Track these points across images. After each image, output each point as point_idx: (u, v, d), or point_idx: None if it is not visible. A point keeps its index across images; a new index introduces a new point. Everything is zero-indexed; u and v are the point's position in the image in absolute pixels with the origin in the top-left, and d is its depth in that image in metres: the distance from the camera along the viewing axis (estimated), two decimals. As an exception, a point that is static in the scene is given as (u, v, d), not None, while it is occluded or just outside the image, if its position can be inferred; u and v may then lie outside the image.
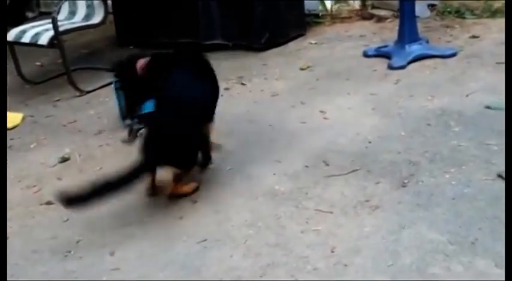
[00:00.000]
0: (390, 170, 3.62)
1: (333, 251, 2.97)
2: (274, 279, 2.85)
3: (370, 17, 6.79)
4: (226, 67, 5.77)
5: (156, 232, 3.32)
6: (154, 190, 3.62)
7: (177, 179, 3.54)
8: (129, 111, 4.02)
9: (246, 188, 3.63)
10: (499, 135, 3.81)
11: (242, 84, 5.33)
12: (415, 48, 5.38)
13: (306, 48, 6.13)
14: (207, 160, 3.72)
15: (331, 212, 3.29)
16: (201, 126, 3.53)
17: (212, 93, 3.71)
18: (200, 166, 3.68)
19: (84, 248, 3.26)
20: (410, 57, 5.29)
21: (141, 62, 3.62)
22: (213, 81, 3.73)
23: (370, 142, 4.00)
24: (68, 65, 5.43)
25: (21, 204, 3.77)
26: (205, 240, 3.19)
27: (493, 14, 6.33)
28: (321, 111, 4.56)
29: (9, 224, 3.55)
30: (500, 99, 4.31)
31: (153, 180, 3.60)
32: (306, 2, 6.59)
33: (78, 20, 5.71)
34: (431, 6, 6.75)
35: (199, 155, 3.61)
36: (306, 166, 3.79)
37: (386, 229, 3.08)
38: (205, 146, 3.60)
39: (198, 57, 3.78)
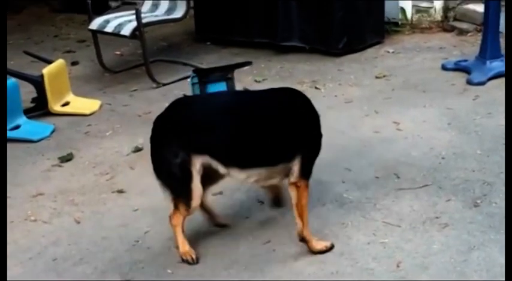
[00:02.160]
0: (463, 188, 3.56)
1: (398, 266, 2.95)
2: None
3: (451, 29, 6.66)
4: (301, 70, 5.79)
5: (222, 230, 3.36)
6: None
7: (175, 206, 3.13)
8: None
9: (314, 194, 3.60)
10: None
11: (316, 88, 5.33)
12: (496, 65, 5.25)
13: (382, 57, 6.07)
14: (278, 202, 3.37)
15: (399, 226, 3.26)
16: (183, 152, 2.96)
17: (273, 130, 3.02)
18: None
19: (152, 239, 3.33)
20: (490, 74, 5.17)
21: None
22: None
23: (443, 158, 3.93)
24: (147, 56, 5.55)
25: (94, 190, 3.89)
26: (269, 242, 3.21)
27: None
28: (395, 122, 4.51)
29: (81, 209, 3.68)
30: None
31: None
32: (386, 9, 6.53)
33: (160, 13, 5.84)
34: (516, 22, 6.56)
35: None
36: (377, 177, 3.76)
37: (456, 248, 3.03)
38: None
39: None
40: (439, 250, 3.03)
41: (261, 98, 3.17)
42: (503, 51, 5.43)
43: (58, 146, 4.51)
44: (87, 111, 5.04)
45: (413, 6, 6.80)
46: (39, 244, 3.35)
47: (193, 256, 3.09)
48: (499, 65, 5.26)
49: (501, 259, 2.89)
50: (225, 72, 4.77)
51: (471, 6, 6.61)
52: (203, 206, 3.27)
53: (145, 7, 5.87)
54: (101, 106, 5.17)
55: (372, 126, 4.49)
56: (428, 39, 6.50)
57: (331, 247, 3.09)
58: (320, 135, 3.12)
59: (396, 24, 6.81)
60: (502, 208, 3.30)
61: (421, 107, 4.75)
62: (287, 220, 3.35)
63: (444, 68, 5.55)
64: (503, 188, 3.48)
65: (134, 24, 5.40)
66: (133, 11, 5.44)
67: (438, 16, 6.81)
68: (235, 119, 2.97)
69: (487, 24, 5.34)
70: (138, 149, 4.37)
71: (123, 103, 5.27)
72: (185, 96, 3.31)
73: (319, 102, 5.00)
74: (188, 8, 5.81)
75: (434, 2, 6.74)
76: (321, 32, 6.10)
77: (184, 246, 3.11)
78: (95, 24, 5.67)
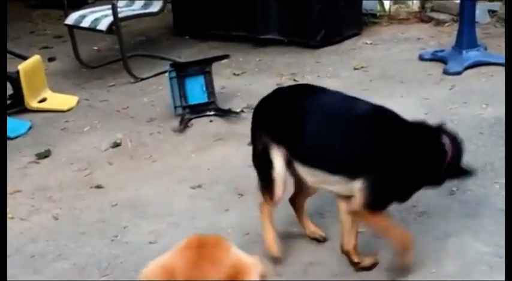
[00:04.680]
0: (439, 177, 3.58)
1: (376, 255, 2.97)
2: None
3: (429, 19, 6.69)
4: (279, 62, 5.80)
5: (201, 222, 3.37)
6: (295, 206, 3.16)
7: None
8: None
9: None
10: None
11: (294, 80, 5.33)
12: (472, 55, 5.29)
13: (360, 48, 6.09)
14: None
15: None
16: (266, 137, 2.88)
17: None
18: None
19: (131, 233, 3.33)
20: (467, 64, 5.21)
21: None
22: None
23: (420, 147, 3.95)
24: (124, 51, 5.53)
25: (72, 186, 3.87)
26: (249, 234, 3.23)
27: (556, 23, 6.18)
28: (373, 113, 4.52)
29: (59, 205, 3.67)
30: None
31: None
32: (364, 1, 6.55)
33: (137, 8, 5.81)
34: (492, 12, 6.62)
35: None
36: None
37: (433, 235, 3.06)
38: None
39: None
40: (415, 237, 3.05)
41: (357, 108, 2.84)
42: (479, 41, 5.48)
43: (35, 142, 4.48)
44: (65, 107, 5.01)
45: (391, -3, 6.82)
46: (17, 241, 3.33)
47: (276, 252, 2.92)
48: (475, 55, 5.31)
49: (475, 246, 2.94)
50: (203, 66, 4.78)
51: (448, -3, 6.64)
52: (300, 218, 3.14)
53: (122, 1, 5.82)
54: (78, 102, 5.14)
55: (349, 117, 4.50)
56: (406, 30, 6.53)
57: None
58: (410, 180, 2.73)
59: (374, 15, 6.82)
60: (477, 196, 3.35)
61: (399, 97, 4.78)
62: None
63: (421, 58, 5.58)
64: (478, 176, 3.50)
65: (111, 18, 5.37)
66: (110, 6, 5.40)
67: (416, 7, 6.83)
68: (320, 116, 2.81)
69: (463, 14, 5.38)
70: (116, 145, 4.36)
71: (100, 98, 5.24)
72: (289, 86, 3.27)
73: (297, 95, 5.08)
74: (165, 2, 5.78)
75: (412, -7, 6.78)
76: (299, 24, 6.10)
77: (268, 240, 2.95)
78: (71, 19, 5.63)
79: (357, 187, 2.67)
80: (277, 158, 2.83)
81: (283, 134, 2.85)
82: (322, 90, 3.00)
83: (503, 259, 2.80)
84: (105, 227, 3.41)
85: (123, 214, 3.52)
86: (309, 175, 2.84)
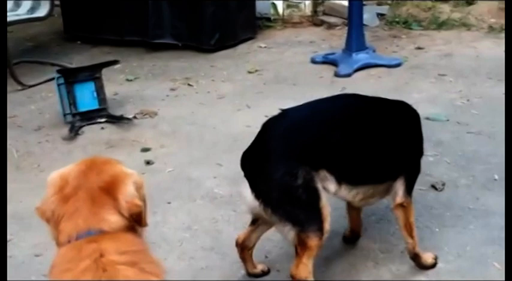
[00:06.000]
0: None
1: (267, 257, 2.98)
2: (207, 283, 2.85)
3: (321, 23, 6.85)
4: (174, 67, 5.76)
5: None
6: (243, 253, 2.83)
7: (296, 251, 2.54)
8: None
9: (185, 190, 3.62)
10: (436, 146, 3.90)
11: (189, 85, 5.31)
12: (361, 57, 5.46)
13: (255, 52, 6.14)
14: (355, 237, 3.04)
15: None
16: (305, 167, 2.48)
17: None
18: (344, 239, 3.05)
19: (15, 247, 3.19)
20: (356, 66, 5.37)
21: None
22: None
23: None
24: (9, 57, 5.30)
25: (-47, 199, 3.67)
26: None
27: (439, 26, 6.47)
28: (266, 116, 4.52)
29: None
30: (439, 110, 4.42)
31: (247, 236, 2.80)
32: (257, 4, 6.61)
33: (22, 12, 5.59)
34: (381, 15, 6.85)
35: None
36: (247, 170, 3.79)
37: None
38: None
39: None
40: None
41: (375, 109, 2.79)
42: (368, 44, 5.66)
43: None
44: None
45: (284, 1, 6.93)
46: None
47: None
48: (364, 57, 5.47)
49: (362, 243, 3.01)
50: (93, 72, 4.66)
51: (338, 1, 6.82)
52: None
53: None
54: (-40, 112, 4.89)
55: (243, 120, 4.52)
56: (299, 33, 6.65)
57: (436, 258, 2.85)
58: (422, 154, 2.87)
59: (268, 19, 6.92)
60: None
61: (291, 99, 4.81)
62: (158, 219, 3.32)
63: (313, 61, 5.70)
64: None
65: (-6, 24, 5.15)
66: (-7, 11, 5.17)
67: (308, 11, 6.98)
68: (350, 131, 2.62)
69: (351, 18, 5.55)
70: (2, 155, 4.18)
71: (-14, 107, 5.01)
72: (282, 110, 2.74)
73: (191, 99, 5.07)
74: (52, 6, 5.59)
75: (304, -3, 6.91)
76: (193, 28, 6.09)
77: None
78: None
79: (399, 183, 2.70)
80: (320, 185, 2.50)
81: (327, 158, 2.54)
82: (338, 100, 2.96)
83: (389, 255, 2.90)
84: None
85: (8, 227, 3.36)
86: (357, 195, 2.67)
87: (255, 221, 2.74)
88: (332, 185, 2.55)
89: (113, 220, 1.83)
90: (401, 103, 2.89)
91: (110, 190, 1.87)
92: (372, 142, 2.65)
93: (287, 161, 2.46)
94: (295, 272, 2.50)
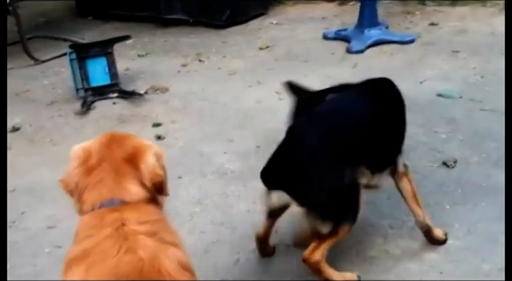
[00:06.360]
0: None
1: (276, 232, 3.00)
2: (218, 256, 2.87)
3: (333, -1, 6.80)
4: (185, 43, 5.75)
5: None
6: (264, 245, 2.85)
7: (317, 237, 2.54)
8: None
9: (196, 166, 3.63)
10: (449, 123, 3.88)
11: (200, 61, 5.31)
12: (374, 33, 5.41)
13: (266, 28, 6.12)
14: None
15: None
16: (349, 167, 2.53)
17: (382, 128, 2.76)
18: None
19: (29, 219, 3.23)
20: (368, 42, 5.33)
21: None
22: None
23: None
24: (22, 33, 5.33)
25: (-33, 173, 3.71)
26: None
27: (454, 1, 6.40)
28: (277, 92, 4.56)
29: (-47, 192, 3.50)
30: (452, 87, 4.39)
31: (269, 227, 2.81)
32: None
33: (35, -13, 5.61)
34: (394, -9, 6.78)
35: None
36: (258, 146, 3.80)
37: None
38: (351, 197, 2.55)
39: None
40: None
41: (383, 98, 2.84)
42: (381, 20, 5.61)
43: None
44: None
45: (296, -23, 6.87)
46: None
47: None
48: (376, 34, 5.43)
49: (372, 219, 3.01)
50: (104, 47, 4.67)
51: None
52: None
53: (19, -19, 5.61)
54: (-26, 86, 4.93)
55: (254, 97, 4.52)
56: (311, 10, 6.60)
57: (446, 234, 2.86)
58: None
59: (280, -5, 6.88)
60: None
61: (302, 76, 4.81)
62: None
63: (325, 37, 5.66)
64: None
65: (6, -1, 5.16)
66: (5, -15, 5.18)
67: (321, -14, 6.91)
68: (375, 125, 2.69)
69: (364, -7, 5.49)
70: (15, 129, 4.22)
71: (-1, 82, 5.04)
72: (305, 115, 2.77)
73: (202, 75, 5.07)
74: (65, -19, 5.61)
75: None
76: (204, 4, 6.07)
77: (344, 276, 2.64)
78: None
79: (400, 160, 2.79)
80: (361, 181, 2.58)
81: (364, 155, 2.61)
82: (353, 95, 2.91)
83: (398, 231, 2.91)
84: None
85: (22, 199, 3.41)
86: (380, 179, 2.75)
87: (272, 215, 2.75)
88: (367, 178, 2.62)
89: (135, 190, 1.89)
90: (387, 82, 2.94)
91: (132, 161, 1.93)
92: (388, 129, 2.77)
93: (332, 164, 2.50)
94: (309, 256, 2.53)
